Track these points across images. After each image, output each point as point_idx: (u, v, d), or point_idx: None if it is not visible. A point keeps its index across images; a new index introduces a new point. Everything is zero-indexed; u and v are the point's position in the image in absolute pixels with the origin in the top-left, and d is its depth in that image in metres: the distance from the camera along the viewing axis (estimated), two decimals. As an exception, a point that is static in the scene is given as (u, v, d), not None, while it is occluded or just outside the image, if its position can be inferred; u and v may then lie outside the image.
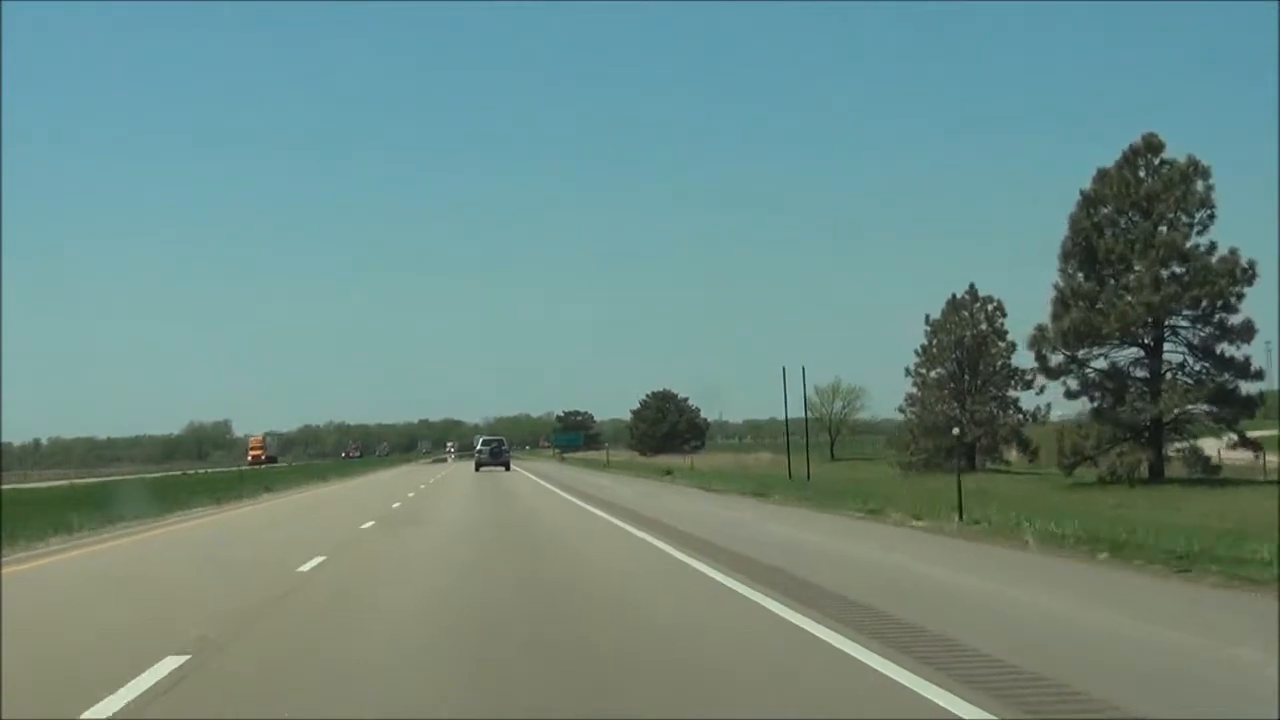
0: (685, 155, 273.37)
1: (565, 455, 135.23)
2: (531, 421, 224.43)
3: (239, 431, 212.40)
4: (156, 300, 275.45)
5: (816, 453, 67.41)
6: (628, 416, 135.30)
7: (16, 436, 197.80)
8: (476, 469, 75.39)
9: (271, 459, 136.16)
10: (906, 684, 7.36)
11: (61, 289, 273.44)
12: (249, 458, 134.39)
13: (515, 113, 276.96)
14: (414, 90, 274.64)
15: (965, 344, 67.12)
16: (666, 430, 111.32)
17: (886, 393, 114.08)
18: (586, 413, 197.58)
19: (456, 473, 72.03)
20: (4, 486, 56.62)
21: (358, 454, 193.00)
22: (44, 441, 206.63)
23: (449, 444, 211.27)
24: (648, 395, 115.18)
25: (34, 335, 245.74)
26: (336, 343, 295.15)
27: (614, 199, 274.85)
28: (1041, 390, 62.89)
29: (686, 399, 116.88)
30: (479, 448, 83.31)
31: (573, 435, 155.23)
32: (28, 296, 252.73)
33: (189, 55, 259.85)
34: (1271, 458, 50.38)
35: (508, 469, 75.71)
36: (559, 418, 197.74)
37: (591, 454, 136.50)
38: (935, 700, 6.92)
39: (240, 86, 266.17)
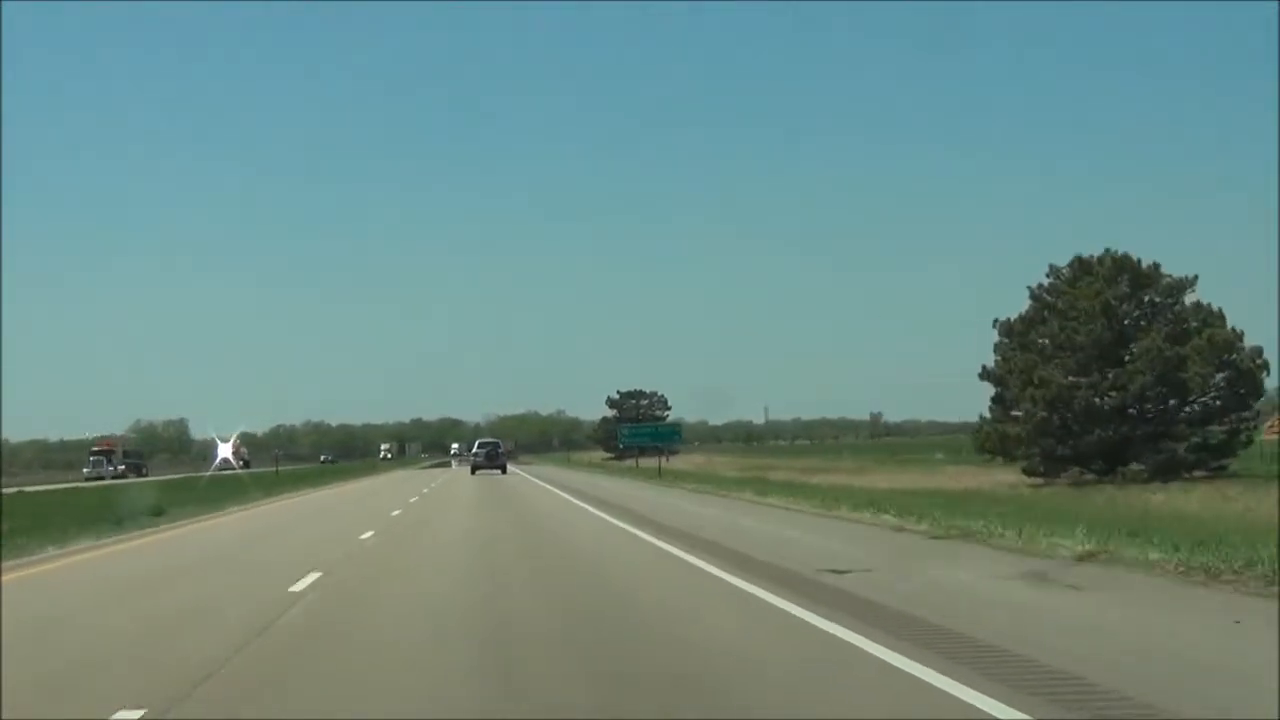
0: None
1: (627, 461, 79.66)
2: (541, 420, 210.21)
3: (197, 433, 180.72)
4: (110, 289, 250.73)
5: None
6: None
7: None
8: (473, 472, 71.08)
9: None
10: None
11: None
12: None
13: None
14: (396, 85, 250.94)
15: None
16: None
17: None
18: (655, 393, 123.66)
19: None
20: None
21: (112, 467, 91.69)
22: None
23: (383, 445, 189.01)
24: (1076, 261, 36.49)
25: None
26: (319, 336, 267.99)
27: (633, 170, 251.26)
28: None
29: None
30: (474, 450, 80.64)
31: (665, 430, 79.56)
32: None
33: (156, 54, 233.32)
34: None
35: (504, 471, 71.50)
36: (612, 401, 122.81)
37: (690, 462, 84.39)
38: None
39: (210, 84, 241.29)
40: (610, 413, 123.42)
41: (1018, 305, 37.98)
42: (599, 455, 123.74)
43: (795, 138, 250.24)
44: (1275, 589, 10.85)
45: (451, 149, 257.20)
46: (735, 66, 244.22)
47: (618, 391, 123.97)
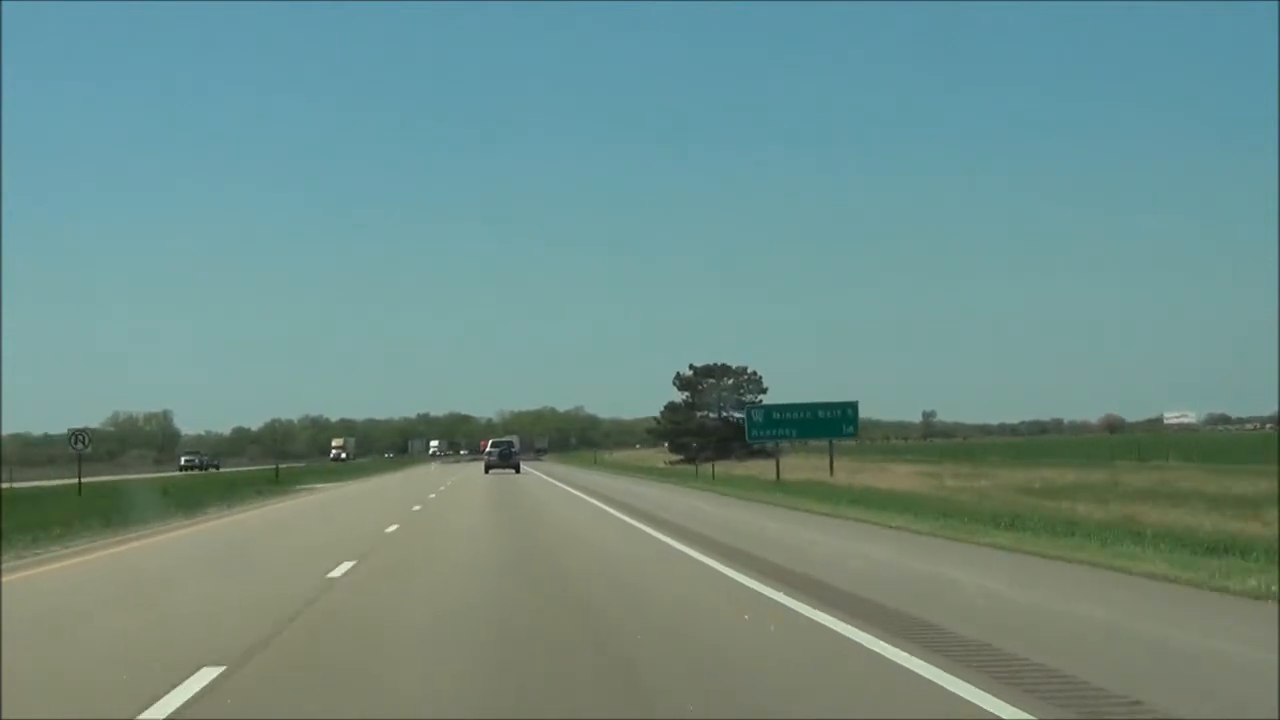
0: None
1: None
2: (557, 417, 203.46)
3: (184, 427, 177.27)
4: (91, 272, 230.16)
5: None
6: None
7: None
8: (486, 471, 72.56)
9: None
10: None
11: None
12: None
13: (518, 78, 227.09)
14: (399, 76, 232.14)
15: None
16: None
17: None
18: (745, 369, 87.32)
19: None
20: None
21: None
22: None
23: (334, 442, 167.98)
24: None
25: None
26: (320, 328, 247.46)
27: (655, 162, 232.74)
28: None
29: None
30: (488, 449, 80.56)
31: (831, 415, 36.41)
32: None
33: (152, 51, 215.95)
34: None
35: (517, 471, 72.64)
36: (684, 380, 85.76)
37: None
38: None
39: (202, 81, 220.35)
40: (682, 396, 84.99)
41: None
42: (626, 454, 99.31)
43: (824, 137, 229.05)
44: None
45: (458, 143, 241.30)
46: (776, 60, 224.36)
47: (691, 367, 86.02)
